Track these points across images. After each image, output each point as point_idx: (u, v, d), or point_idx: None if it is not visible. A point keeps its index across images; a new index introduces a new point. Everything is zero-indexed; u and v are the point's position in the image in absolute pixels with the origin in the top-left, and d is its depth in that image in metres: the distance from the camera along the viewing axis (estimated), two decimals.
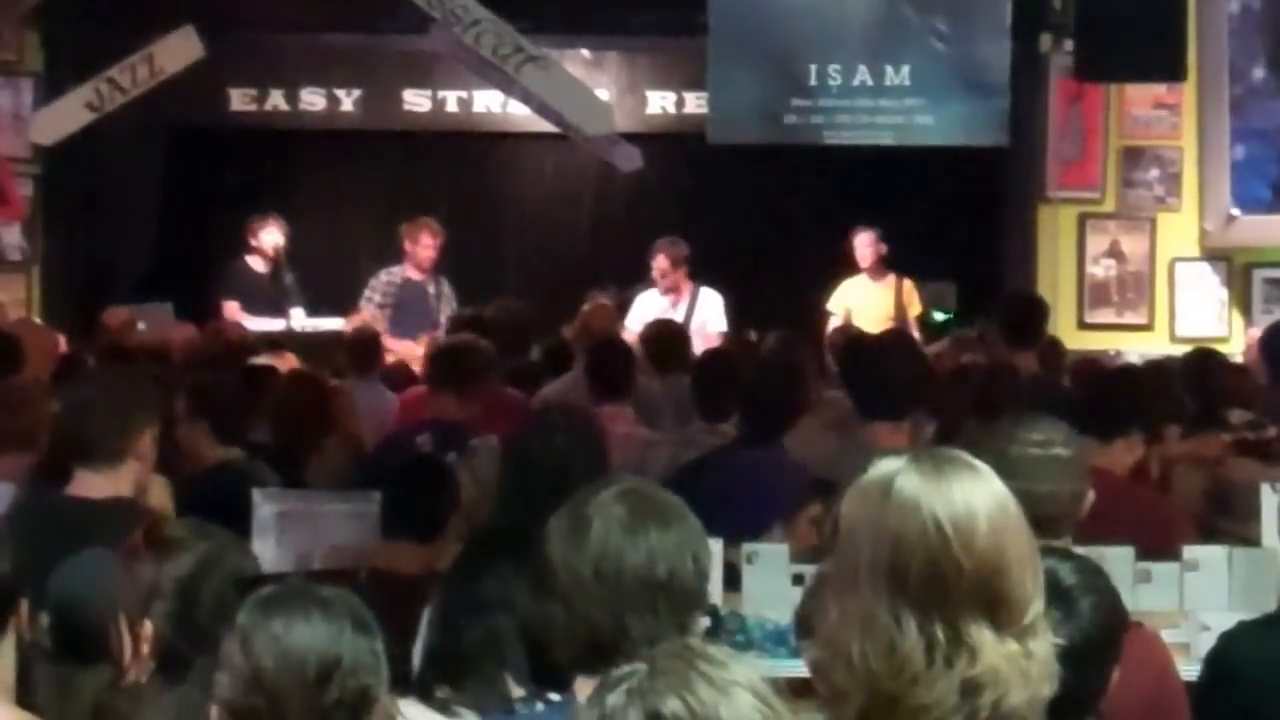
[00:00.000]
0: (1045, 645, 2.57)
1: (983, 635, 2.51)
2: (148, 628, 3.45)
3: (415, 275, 12.07)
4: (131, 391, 5.21)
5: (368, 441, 7.81)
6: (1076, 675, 2.91)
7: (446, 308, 11.99)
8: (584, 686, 3.01)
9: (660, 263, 11.80)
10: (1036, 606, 2.56)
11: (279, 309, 12.12)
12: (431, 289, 12.08)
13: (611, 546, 2.97)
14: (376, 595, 4.07)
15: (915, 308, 12.16)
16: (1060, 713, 2.65)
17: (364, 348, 9.64)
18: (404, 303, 11.96)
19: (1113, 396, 5.74)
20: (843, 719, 2.55)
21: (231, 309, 12.07)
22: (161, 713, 3.38)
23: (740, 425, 6.68)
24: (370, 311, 11.81)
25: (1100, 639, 3.27)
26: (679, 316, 11.33)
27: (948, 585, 2.51)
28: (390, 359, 10.54)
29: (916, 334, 11.78)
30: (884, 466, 2.60)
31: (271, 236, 12.22)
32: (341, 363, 9.77)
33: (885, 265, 12.25)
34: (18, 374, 7.49)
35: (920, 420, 6.25)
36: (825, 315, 12.21)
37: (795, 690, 2.55)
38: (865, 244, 12.22)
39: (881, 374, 6.03)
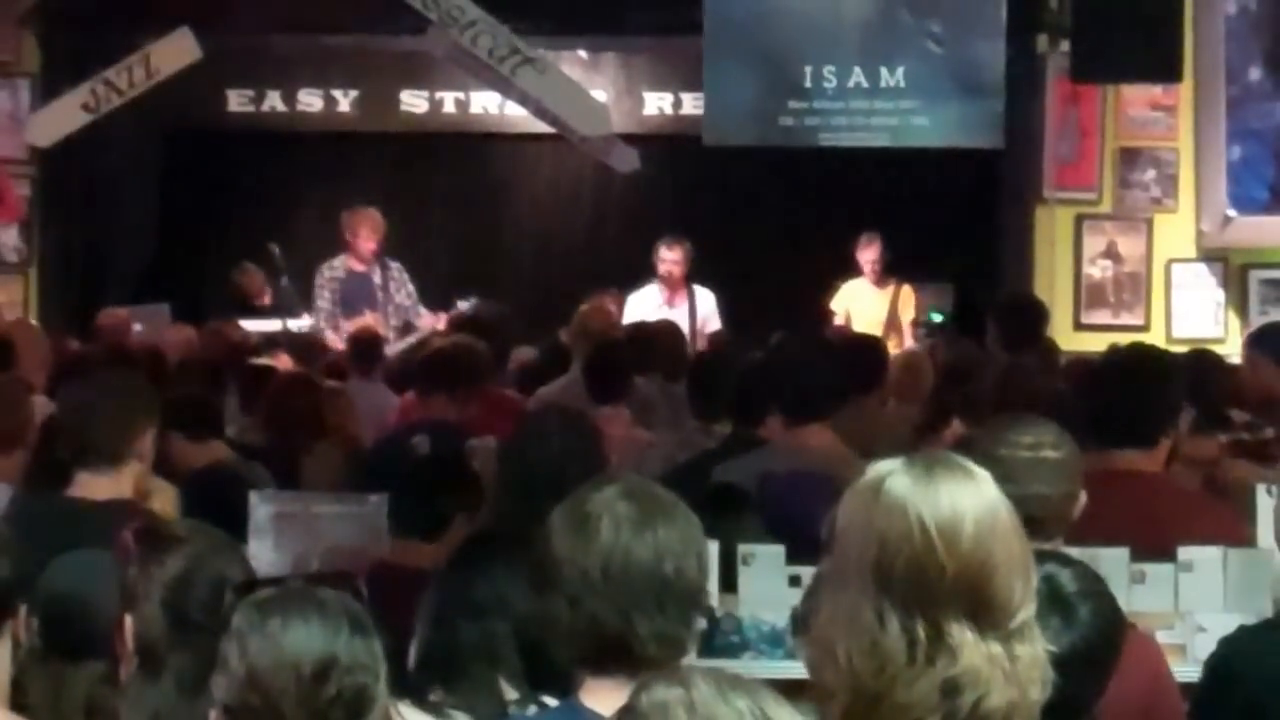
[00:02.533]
0: (1032, 650, 2.59)
1: (964, 636, 2.54)
2: (128, 624, 3.45)
3: (358, 266, 11.99)
4: (133, 393, 5.22)
5: (369, 442, 7.81)
6: (1074, 681, 2.92)
7: (399, 292, 11.95)
8: (591, 687, 3.02)
9: (674, 254, 11.81)
10: (1025, 612, 2.58)
11: (276, 311, 12.15)
12: (377, 278, 11.99)
13: (621, 543, 3.00)
14: (383, 590, 4.09)
15: (910, 313, 12.20)
16: (1056, 717, 2.66)
17: (365, 348, 9.65)
18: (350, 299, 11.89)
19: (1150, 397, 5.50)
20: (831, 718, 2.58)
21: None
22: (141, 710, 3.39)
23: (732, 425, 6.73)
24: (323, 311, 11.83)
25: (1099, 645, 3.28)
26: (681, 317, 11.34)
27: (930, 585, 2.54)
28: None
29: (909, 338, 11.85)
30: (880, 467, 2.63)
31: (255, 286, 12.25)
32: (343, 363, 9.80)
33: (887, 272, 12.32)
34: (10, 373, 7.51)
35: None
36: (824, 315, 12.25)
37: (790, 691, 2.56)
38: (870, 254, 12.31)
39: (798, 377, 6.22)
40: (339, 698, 2.89)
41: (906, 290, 12.27)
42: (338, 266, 12.02)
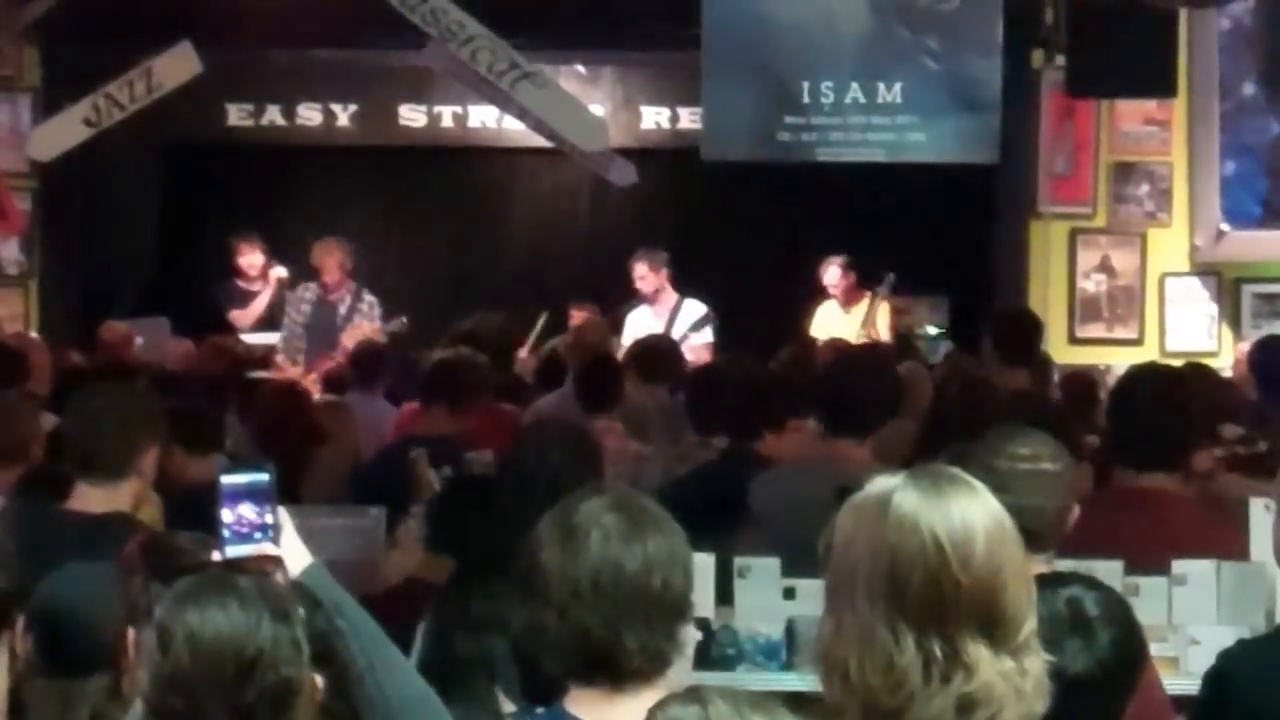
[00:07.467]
0: (1038, 663, 2.59)
1: (979, 652, 2.53)
2: (133, 638, 3.46)
3: (328, 295, 12.13)
4: (138, 407, 5.23)
5: (368, 455, 7.84)
6: (1090, 705, 2.93)
7: (365, 323, 12.01)
8: (576, 696, 3.06)
9: (638, 269, 11.93)
10: (1030, 624, 2.58)
11: (273, 324, 12.20)
12: (344, 308, 12.10)
13: (610, 556, 3.01)
14: (415, 604, 4.13)
15: (886, 319, 12.17)
16: None
17: (365, 361, 9.67)
18: (317, 325, 11.99)
19: (1177, 419, 5.50)
20: None
21: (239, 316, 12.26)
22: None
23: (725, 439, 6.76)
24: (286, 332, 11.91)
25: (1117, 672, 3.27)
26: (660, 326, 11.42)
27: (945, 602, 2.53)
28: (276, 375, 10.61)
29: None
30: (881, 483, 2.61)
31: (249, 260, 12.39)
32: (342, 376, 9.83)
33: (857, 289, 12.36)
34: (20, 387, 7.53)
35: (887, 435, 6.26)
36: (808, 343, 12.27)
37: (787, 705, 2.59)
38: (834, 276, 12.37)
39: (845, 391, 6.13)
40: (264, 693, 2.90)
41: (881, 303, 12.24)
42: (312, 289, 12.16)
